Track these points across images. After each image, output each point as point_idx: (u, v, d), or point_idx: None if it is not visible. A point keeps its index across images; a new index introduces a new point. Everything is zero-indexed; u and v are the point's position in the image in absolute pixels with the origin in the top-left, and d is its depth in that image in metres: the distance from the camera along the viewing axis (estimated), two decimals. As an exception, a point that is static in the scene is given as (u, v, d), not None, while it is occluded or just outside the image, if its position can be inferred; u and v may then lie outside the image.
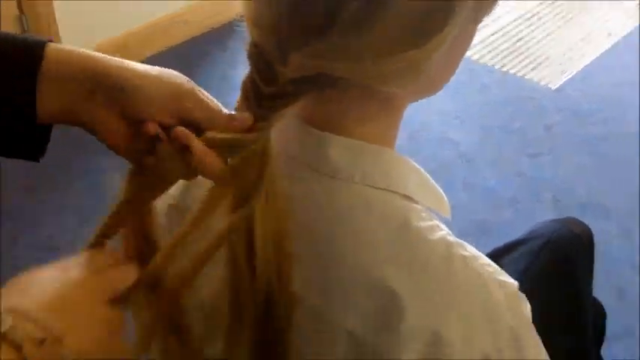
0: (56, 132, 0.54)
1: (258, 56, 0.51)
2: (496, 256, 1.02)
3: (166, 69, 0.53)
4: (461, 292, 0.52)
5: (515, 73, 2.36)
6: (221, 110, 0.52)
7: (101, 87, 0.50)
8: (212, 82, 2.21)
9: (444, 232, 0.55)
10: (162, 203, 0.65)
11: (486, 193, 1.91)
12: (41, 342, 0.43)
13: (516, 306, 0.54)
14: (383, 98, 0.55)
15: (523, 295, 0.55)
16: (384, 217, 0.54)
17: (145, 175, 0.53)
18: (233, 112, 0.52)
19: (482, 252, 0.56)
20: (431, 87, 0.55)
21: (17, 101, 0.50)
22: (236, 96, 0.53)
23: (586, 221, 1.05)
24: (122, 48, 2.23)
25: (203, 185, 0.57)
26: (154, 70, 0.52)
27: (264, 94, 0.51)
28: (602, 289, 1.20)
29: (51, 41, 0.51)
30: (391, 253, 0.53)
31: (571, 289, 0.96)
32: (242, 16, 0.53)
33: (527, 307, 0.54)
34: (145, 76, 0.51)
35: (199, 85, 0.53)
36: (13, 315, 0.43)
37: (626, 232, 1.79)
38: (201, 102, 0.52)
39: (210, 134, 0.51)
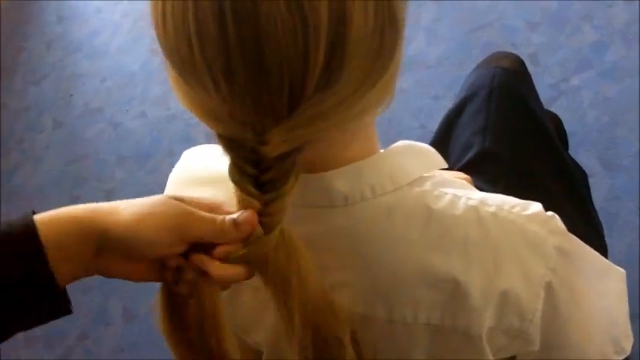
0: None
1: (235, 145, 0.49)
2: (451, 120, 1.06)
3: (156, 199, 0.52)
4: (504, 246, 0.56)
5: None
6: (223, 220, 0.51)
7: (104, 244, 0.50)
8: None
9: (462, 197, 0.57)
10: None
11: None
12: None
13: (553, 226, 0.57)
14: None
15: (551, 213, 0.58)
16: (407, 217, 0.56)
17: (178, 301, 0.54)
18: (235, 216, 0.51)
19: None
20: (392, 93, 0.54)
21: (38, 281, 0.48)
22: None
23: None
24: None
25: None
26: (146, 207, 0.51)
27: (266, 180, 0.50)
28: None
29: (33, 213, 0.49)
30: (432, 245, 0.55)
31: (530, 119, 1.01)
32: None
33: (559, 221, 0.58)
34: (140, 220, 0.50)
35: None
36: None
37: None
38: (200, 221, 0.51)
39: (221, 251, 0.51)
